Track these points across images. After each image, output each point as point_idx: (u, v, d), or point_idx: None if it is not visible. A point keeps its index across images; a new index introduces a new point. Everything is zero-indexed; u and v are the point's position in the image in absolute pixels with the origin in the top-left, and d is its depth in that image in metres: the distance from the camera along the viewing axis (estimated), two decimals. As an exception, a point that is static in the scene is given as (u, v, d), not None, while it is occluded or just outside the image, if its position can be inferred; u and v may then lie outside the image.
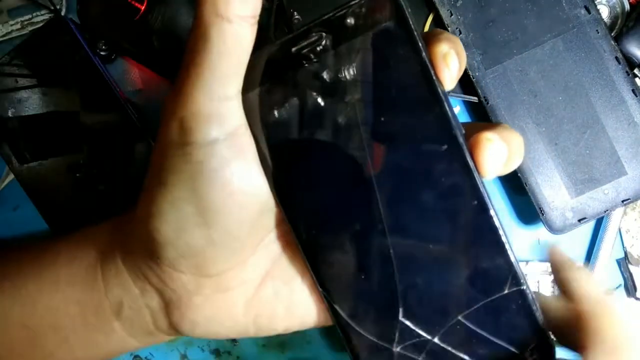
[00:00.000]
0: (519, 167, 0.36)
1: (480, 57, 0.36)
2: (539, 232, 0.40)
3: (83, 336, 0.28)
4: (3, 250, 0.32)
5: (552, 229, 0.36)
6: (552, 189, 0.36)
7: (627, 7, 0.37)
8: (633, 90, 0.35)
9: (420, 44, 0.21)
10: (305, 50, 0.22)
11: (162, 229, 0.22)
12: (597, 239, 0.39)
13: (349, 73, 0.22)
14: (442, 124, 0.21)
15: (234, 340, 0.41)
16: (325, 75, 0.22)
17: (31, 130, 0.35)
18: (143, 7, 0.34)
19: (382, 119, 0.21)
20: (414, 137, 0.21)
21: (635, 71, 0.36)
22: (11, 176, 0.37)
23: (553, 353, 0.21)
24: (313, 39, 0.22)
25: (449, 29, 0.36)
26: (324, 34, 0.22)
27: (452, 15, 0.36)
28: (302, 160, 0.23)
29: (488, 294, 0.21)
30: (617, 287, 0.40)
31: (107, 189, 0.36)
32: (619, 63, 0.35)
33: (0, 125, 0.35)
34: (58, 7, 0.37)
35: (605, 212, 0.36)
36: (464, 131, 0.21)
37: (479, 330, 0.22)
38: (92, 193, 0.36)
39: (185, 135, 0.21)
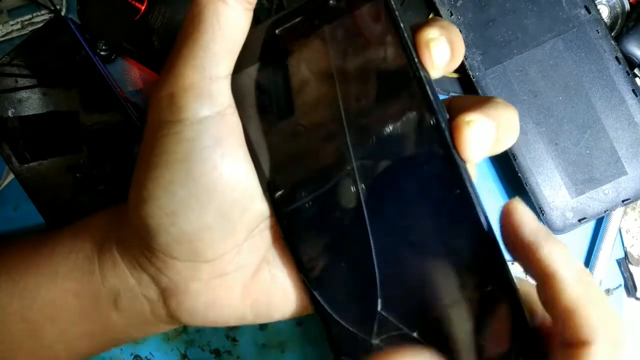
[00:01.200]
0: (519, 168, 0.36)
1: (480, 57, 0.36)
2: (539, 232, 0.40)
3: (82, 327, 0.28)
4: (0, 244, 0.32)
5: (552, 229, 0.36)
6: (552, 189, 0.36)
7: (627, 7, 0.37)
8: (633, 90, 0.35)
9: (401, 27, 0.20)
10: (289, 32, 0.22)
11: (155, 215, 0.22)
12: (597, 239, 0.39)
13: (331, 54, 0.21)
14: (422, 109, 0.21)
15: (234, 340, 0.41)
16: (308, 56, 0.22)
17: (31, 130, 0.35)
18: (143, 7, 0.34)
19: (364, 102, 0.21)
20: (395, 122, 0.21)
21: (635, 71, 0.36)
22: (11, 176, 0.37)
23: (540, 354, 0.20)
24: (297, 20, 0.22)
25: (449, 29, 0.36)
26: (307, 16, 0.22)
27: (452, 15, 0.36)
28: (283, 142, 0.23)
29: (470, 288, 0.21)
30: (617, 287, 0.40)
31: (107, 189, 0.36)
32: (619, 63, 0.35)
33: (0, 125, 0.35)
34: (58, 7, 0.37)
35: (605, 212, 0.36)
36: (447, 115, 0.21)
37: (459, 327, 0.21)
38: (92, 193, 0.36)
39: (175, 111, 0.21)
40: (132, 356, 0.41)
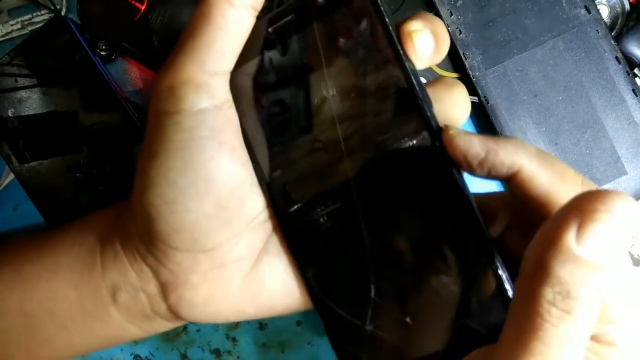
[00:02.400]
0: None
1: (480, 57, 0.36)
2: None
3: (81, 322, 0.28)
4: (4, 240, 0.32)
5: (552, 229, 0.36)
6: (552, 189, 0.36)
7: (627, 7, 0.37)
8: (633, 90, 0.35)
9: (386, 20, 0.21)
10: (280, 30, 0.23)
11: (155, 202, 0.23)
12: (597, 239, 0.39)
13: (322, 49, 0.22)
14: (407, 101, 0.21)
15: (234, 340, 0.41)
16: (299, 52, 0.22)
17: (31, 130, 0.35)
18: (143, 7, 0.34)
19: (354, 94, 0.22)
20: (383, 114, 0.21)
21: (635, 71, 0.36)
22: (11, 176, 0.37)
23: None
24: (288, 18, 0.22)
25: (449, 28, 0.36)
26: (297, 13, 0.22)
27: (452, 15, 0.36)
28: (276, 136, 0.23)
29: (463, 278, 0.21)
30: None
31: (107, 189, 0.36)
32: (619, 63, 0.35)
33: (0, 125, 0.35)
34: (58, 7, 0.37)
35: (605, 212, 0.36)
36: (431, 102, 0.22)
37: (451, 314, 0.21)
38: (92, 193, 0.36)
39: (175, 102, 0.22)
40: (132, 356, 0.41)
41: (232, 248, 0.24)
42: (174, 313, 0.26)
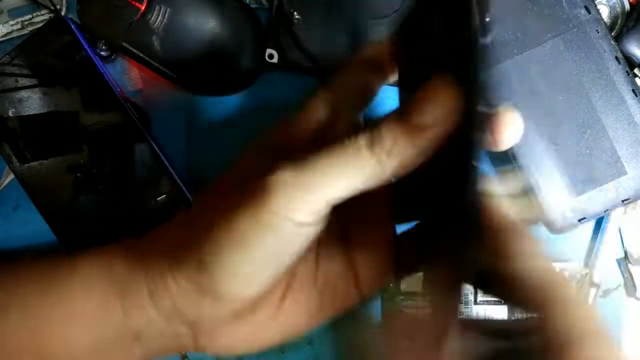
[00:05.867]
0: (519, 167, 0.36)
1: (480, 57, 0.36)
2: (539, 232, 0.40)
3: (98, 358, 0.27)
4: (14, 268, 0.31)
5: (552, 229, 0.36)
6: (552, 189, 0.36)
7: (627, 7, 0.37)
8: (633, 90, 0.35)
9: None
10: None
11: (232, 287, 0.23)
12: (597, 239, 0.39)
13: None
14: None
15: (234, 340, 0.41)
16: None
17: (31, 130, 0.35)
18: (143, 7, 0.34)
19: None
20: None
21: (635, 71, 0.36)
22: (11, 176, 0.37)
23: None
24: None
25: (449, 29, 0.36)
26: None
27: (452, 15, 0.36)
28: None
29: None
30: (617, 287, 0.40)
31: (107, 189, 0.36)
32: (619, 63, 0.35)
33: (0, 125, 0.35)
34: (58, 7, 0.37)
35: (605, 212, 0.36)
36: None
37: None
38: (92, 193, 0.36)
39: (308, 214, 0.21)
40: (132, 356, 0.41)
41: (263, 297, 0.25)
42: (198, 350, 0.26)
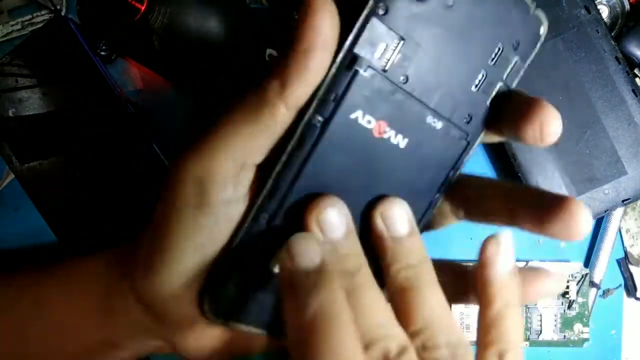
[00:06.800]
0: (519, 168, 0.36)
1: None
2: (539, 232, 0.40)
3: None
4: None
5: (552, 229, 0.36)
6: (552, 189, 0.36)
7: (627, 7, 0.37)
8: (633, 90, 0.35)
9: None
10: None
11: (169, 302, 0.22)
12: (597, 239, 0.39)
13: None
14: None
15: (234, 340, 0.41)
16: None
17: (31, 130, 0.35)
18: (143, 7, 0.34)
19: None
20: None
21: (635, 71, 0.36)
22: (11, 176, 0.37)
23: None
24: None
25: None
26: None
27: (452, 15, 0.36)
28: None
29: None
30: (617, 287, 0.40)
31: (107, 189, 0.36)
32: (619, 63, 0.35)
33: (0, 125, 0.35)
34: (58, 7, 0.37)
35: (605, 212, 0.36)
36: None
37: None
38: (92, 193, 0.36)
39: (202, 197, 0.21)
40: (132, 356, 0.41)
41: None
42: (182, 353, 0.26)
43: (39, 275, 0.29)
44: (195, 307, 0.23)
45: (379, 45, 0.19)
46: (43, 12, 0.38)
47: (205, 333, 0.25)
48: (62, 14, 0.37)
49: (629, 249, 0.39)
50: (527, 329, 0.39)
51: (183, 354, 0.25)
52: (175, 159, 0.21)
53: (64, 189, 0.36)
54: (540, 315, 0.39)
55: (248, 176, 0.21)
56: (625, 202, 0.36)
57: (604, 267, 0.39)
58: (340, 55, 0.19)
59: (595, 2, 0.36)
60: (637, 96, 0.35)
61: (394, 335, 0.19)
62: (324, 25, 0.18)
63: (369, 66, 0.19)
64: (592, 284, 0.39)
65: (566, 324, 0.39)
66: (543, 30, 0.22)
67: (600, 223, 0.39)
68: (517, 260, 0.37)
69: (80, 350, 0.27)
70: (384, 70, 0.20)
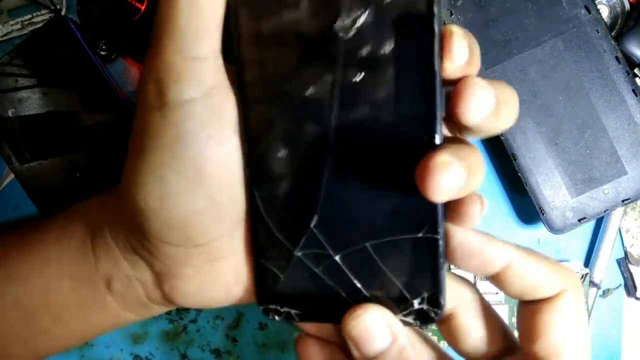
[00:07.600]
0: (519, 168, 0.36)
1: (481, 57, 0.36)
2: (539, 232, 0.40)
3: (77, 312, 0.28)
4: None
5: (552, 228, 0.36)
6: (552, 189, 0.36)
7: (627, 7, 0.37)
8: (633, 90, 0.35)
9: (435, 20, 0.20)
10: None
11: (146, 200, 0.22)
12: (597, 239, 0.39)
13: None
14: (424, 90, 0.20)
15: (234, 340, 0.41)
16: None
17: (31, 130, 0.35)
18: (143, 7, 0.34)
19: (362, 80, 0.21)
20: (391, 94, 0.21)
21: (635, 71, 0.36)
22: (11, 176, 0.37)
23: (441, 308, 0.22)
24: None
25: (449, 29, 0.36)
26: None
27: (452, 15, 0.36)
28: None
29: (402, 231, 0.21)
30: (617, 287, 0.40)
31: (107, 189, 0.36)
32: (619, 63, 0.35)
33: (0, 125, 0.35)
34: (58, 7, 0.37)
35: (605, 212, 0.36)
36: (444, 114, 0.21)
37: (380, 263, 0.22)
38: (92, 193, 0.36)
39: (160, 96, 0.21)
40: (132, 356, 0.41)
41: (224, 243, 0.24)
42: (168, 300, 0.26)
43: (33, 227, 0.30)
44: (184, 234, 0.23)
45: None
46: (43, 12, 0.38)
47: (199, 269, 0.24)
48: (62, 13, 0.37)
49: (629, 249, 0.39)
50: (527, 329, 0.39)
51: (175, 300, 0.25)
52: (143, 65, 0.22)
53: (64, 189, 0.36)
54: (540, 315, 0.39)
55: (206, 72, 0.21)
56: (625, 202, 0.36)
57: (604, 267, 0.39)
58: None
59: (595, 2, 0.36)
60: (637, 96, 0.35)
61: None
62: None
63: None
64: (592, 283, 0.39)
65: (566, 324, 0.39)
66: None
67: (600, 223, 0.39)
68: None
69: (74, 290, 0.27)
70: None
